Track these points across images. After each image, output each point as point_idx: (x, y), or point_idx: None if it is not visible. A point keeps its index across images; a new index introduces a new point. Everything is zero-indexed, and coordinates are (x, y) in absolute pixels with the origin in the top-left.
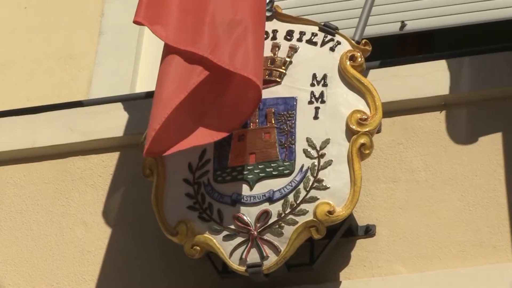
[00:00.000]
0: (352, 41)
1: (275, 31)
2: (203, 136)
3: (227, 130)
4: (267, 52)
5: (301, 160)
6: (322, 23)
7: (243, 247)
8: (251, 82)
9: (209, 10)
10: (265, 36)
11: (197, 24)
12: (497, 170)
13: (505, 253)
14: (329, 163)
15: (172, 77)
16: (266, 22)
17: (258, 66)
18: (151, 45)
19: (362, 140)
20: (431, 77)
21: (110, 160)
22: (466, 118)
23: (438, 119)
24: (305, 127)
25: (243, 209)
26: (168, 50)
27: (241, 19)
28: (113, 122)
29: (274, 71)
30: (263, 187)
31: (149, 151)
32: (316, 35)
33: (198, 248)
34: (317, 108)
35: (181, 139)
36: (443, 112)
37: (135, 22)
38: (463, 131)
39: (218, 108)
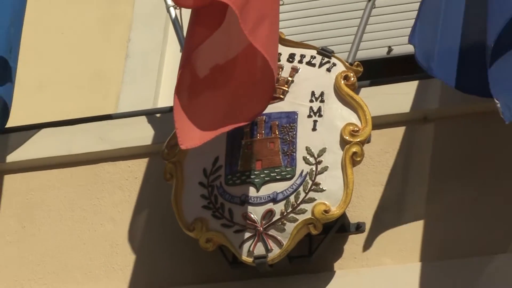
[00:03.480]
0: (346, 63)
1: (279, 54)
2: (226, 124)
3: (246, 119)
4: None
5: (301, 166)
6: (320, 47)
7: (251, 241)
8: (266, 67)
9: None
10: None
11: None
12: (469, 172)
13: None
14: (325, 169)
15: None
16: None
17: (274, 52)
18: (171, 66)
19: (354, 149)
20: (414, 95)
21: (136, 166)
22: (444, 130)
23: (419, 130)
24: (305, 138)
25: (250, 208)
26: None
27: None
28: (138, 133)
29: (278, 89)
30: (268, 190)
31: (184, 143)
32: (315, 57)
33: (211, 242)
34: (315, 121)
35: (208, 128)
36: (424, 125)
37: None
38: (441, 141)
39: (237, 97)
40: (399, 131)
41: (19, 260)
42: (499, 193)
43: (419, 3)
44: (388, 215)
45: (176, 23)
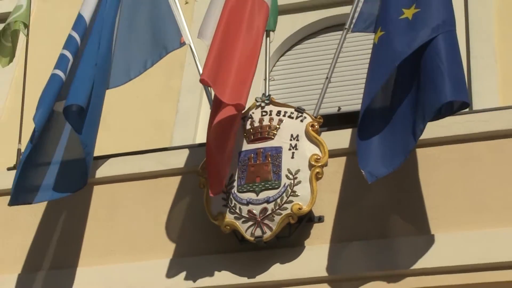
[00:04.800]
0: (313, 116)
1: (271, 111)
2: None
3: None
4: (266, 122)
5: (284, 181)
6: (296, 107)
7: (253, 227)
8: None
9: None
10: (265, 113)
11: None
12: (389, 183)
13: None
14: (299, 182)
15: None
16: (266, 106)
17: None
18: (204, 119)
19: (317, 170)
20: (354, 137)
21: (180, 179)
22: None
23: (356, 159)
24: (287, 163)
25: (252, 206)
26: (220, 105)
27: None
28: (182, 159)
29: (270, 132)
30: (263, 195)
31: (212, 193)
32: (293, 113)
33: (228, 227)
34: (293, 152)
35: (222, 179)
36: (356, 157)
37: (201, 81)
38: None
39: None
40: (345, 159)
41: (105, 238)
42: (406, 195)
43: (357, 79)
44: (337, 211)
45: (208, 92)
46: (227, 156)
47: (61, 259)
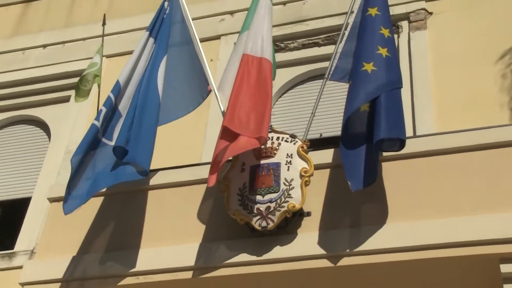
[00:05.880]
0: (302, 140)
1: (272, 137)
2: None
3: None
4: (269, 144)
5: (282, 187)
6: (290, 134)
7: (260, 220)
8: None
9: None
10: (269, 138)
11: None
12: (357, 194)
13: None
14: (293, 187)
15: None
16: (269, 133)
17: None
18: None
19: (306, 179)
20: (334, 154)
21: (208, 186)
22: (336, 172)
23: (338, 171)
24: (284, 174)
25: (260, 205)
26: (228, 134)
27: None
28: (206, 172)
29: (272, 152)
30: (268, 197)
31: (210, 183)
32: (288, 138)
33: (242, 220)
34: (288, 166)
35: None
36: (337, 169)
37: (224, 126)
38: (343, 176)
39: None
40: (327, 171)
41: (155, 228)
42: (370, 196)
43: (333, 114)
44: (322, 208)
45: None
46: (222, 164)
47: (124, 242)
